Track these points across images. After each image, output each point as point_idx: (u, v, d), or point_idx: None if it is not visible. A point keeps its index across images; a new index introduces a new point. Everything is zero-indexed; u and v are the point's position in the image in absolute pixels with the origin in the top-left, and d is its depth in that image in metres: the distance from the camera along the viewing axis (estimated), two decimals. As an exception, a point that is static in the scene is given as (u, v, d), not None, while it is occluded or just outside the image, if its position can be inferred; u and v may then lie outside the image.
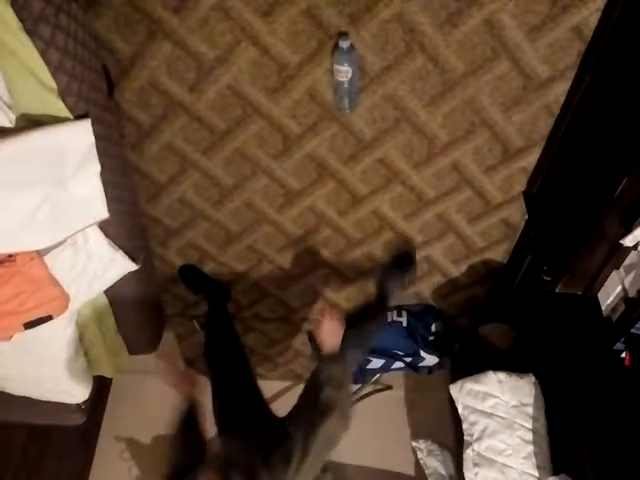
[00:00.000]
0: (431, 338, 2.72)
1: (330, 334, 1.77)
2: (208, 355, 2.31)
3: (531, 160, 2.09)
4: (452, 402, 2.49)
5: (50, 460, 2.44)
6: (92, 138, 1.56)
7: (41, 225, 1.60)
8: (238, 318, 2.76)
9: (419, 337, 2.69)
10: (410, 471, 2.76)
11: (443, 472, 2.62)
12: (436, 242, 2.45)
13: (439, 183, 2.19)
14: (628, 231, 1.67)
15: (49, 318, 1.77)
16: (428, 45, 1.77)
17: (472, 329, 2.76)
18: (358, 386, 2.81)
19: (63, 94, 1.48)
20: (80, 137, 1.55)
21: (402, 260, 2.43)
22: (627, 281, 1.84)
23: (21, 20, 1.31)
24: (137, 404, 2.82)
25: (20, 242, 1.61)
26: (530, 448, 2.27)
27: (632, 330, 1.87)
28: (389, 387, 2.98)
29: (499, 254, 2.49)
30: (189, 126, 2.04)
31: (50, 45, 1.40)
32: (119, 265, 1.90)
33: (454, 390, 2.47)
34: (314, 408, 1.59)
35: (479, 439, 2.33)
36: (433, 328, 2.73)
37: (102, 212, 1.72)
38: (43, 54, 1.39)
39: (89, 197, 1.67)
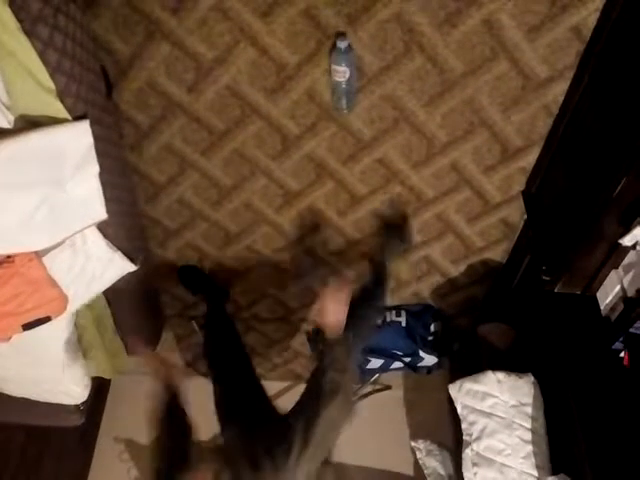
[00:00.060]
0: (430, 338, 2.72)
1: (335, 311, 1.68)
2: (209, 355, 2.30)
3: (530, 160, 2.09)
4: (451, 402, 2.49)
5: (49, 461, 2.44)
6: (91, 139, 1.56)
7: (40, 226, 1.59)
8: (237, 319, 2.76)
9: (418, 337, 2.69)
10: (409, 471, 2.76)
11: (442, 472, 2.62)
12: (435, 242, 2.45)
13: (438, 183, 2.19)
14: (627, 231, 1.67)
15: (48, 319, 1.77)
16: (427, 45, 1.77)
17: (471, 329, 2.76)
18: (357, 386, 2.81)
19: (61, 95, 1.47)
20: (79, 138, 1.55)
21: (396, 230, 2.33)
22: (626, 280, 1.84)
23: (19, 20, 1.31)
24: (136, 405, 2.78)
25: (19, 243, 1.60)
26: (529, 448, 2.27)
27: (631, 329, 1.88)
28: (388, 387, 2.98)
29: (498, 254, 2.49)
30: (188, 127, 2.03)
31: (48, 46, 1.39)
32: (118, 266, 1.89)
33: (453, 390, 2.47)
34: (317, 394, 1.55)
35: (478, 439, 2.33)
36: (432, 328, 2.73)
37: (101, 213, 1.71)
38: (41, 55, 1.38)
39: (88, 198, 1.66)
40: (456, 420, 2.46)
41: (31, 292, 1.68)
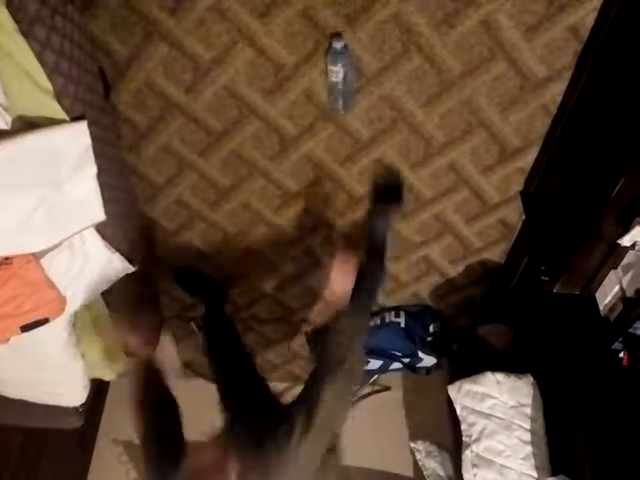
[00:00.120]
0: (429, 339, 2.72)
1: (342, 282, 1.62)
2: (210, 354, 2.29)
3: (528, 160, 2.09)
4: (450, 403, 2.49)
5: (48, 463, 2.43)
6: (88, 140, 1.56)
7: (37, 227, 1.59)
8: (236, 319, 2.75)
9: (417, 338, 2.69)
10: (409, 472, 2.76)
11: (442, 473, 2.61)
12: (434, 242, 2.45)
13: (436, 183, 2.19)
14: (625, 231, 1.67)
15: (46, 321, 1.76)
16: (425, 45, 1.77)
17: (470, 330, 2.76)
18: (356, 387, 2.81)
19: (59, 96, 1.47)
20: (76, 139, 1.54)
21: (388, 192, 2.17)
22: (625, 281, 1.84)
23: (17, 22, 1.31)
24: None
25: (16, 245, 1.60)
26: (529, 449, 2.27)
27: (630, 330, 1.87)
28: (387, 388, 2.98)
29: (496, 254, 2.49)
30: (186, 127, 2.03)
31: (46, 47, 1.39)
32: (116, 267, 1.89)
33: (452, 391, 2.47)
34: (321, 371, 1.50)
35: (477, 440, 2.33)
36: (431, 329, 2.73)
37: (99, 214, 1.71)
38: (39, 56, 1.38)
39: (85, 199, 1.66)
40: (455, 421, 2.45)
41: (29, 294, 1.67)
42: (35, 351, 1.93)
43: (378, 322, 2.72)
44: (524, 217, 2.24)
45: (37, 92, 1.44)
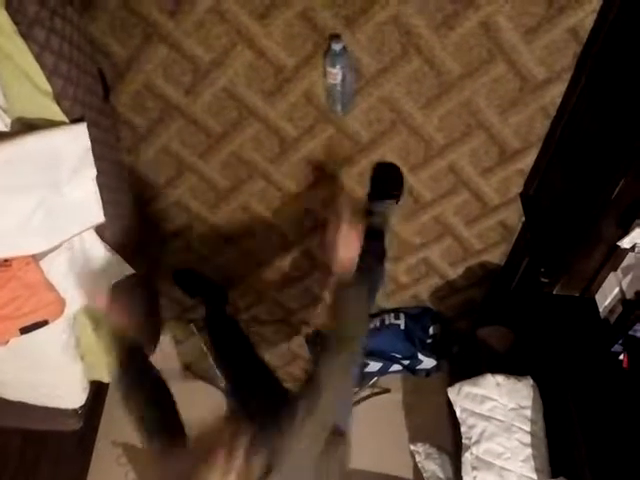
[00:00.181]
0: (429, 341, 2.71)
1: (348, 245, 1.52)
2: (217, 354, 2.29)
3: (528, 162, 2.09)
4: (450, 405, 2.48)
5: (46, 465, 2.43)
6: (88, 142, 1.56)
7: (37, 229, 1.59)
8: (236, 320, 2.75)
9: (417, 340, 2.69)
10: (408, 475, 2.75)
11: (441, 475, 2.61)
12: (433, 244, 2.44)
13: (436, 185, 2.19)
14: (625, 233, 1.67)
15: (45, 323, 1.76)
16: (424, 47, 1.77)
17: (470, 332, 2.76)
18: (355, 390, 2.80)
19: (58, 98, 1.47)
20: (76, 141, 1.54)
21: (388, 182, 2.19)
22: (624, 283, 1.83)
23: (16, 23, 1.31)
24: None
25: (16, 247, 1.60)
26: (528, 451, 2.26)
27: (630, 332, 1.87)
28: (387, 390, 2.97)
29: (496, 256, 2.49)
30: (185, 129, 2.03)
31: (45, 48, 1.39)
32: (115, 269, 1.89)
33: (452, 393, 2.46)
34: (323, 348, 1.45)
35: (477, 442, 2.32)
36: (431, 331, 2.72)
37: (98, 216, 1.71)
38: (38, 58, 1.38)
39: (85, 201, 1.66)
40: (455, 423, 2.45)
41: (28, 296, 1.67)
42: (34, 353, 1.92)
43: (378, 324, 2.72)
44: (524, 219, 2.24)
45: (36, 94, 1.44)
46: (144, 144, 2.08)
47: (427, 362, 2.73)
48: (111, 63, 1.84)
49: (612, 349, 1.92)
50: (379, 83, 1.87)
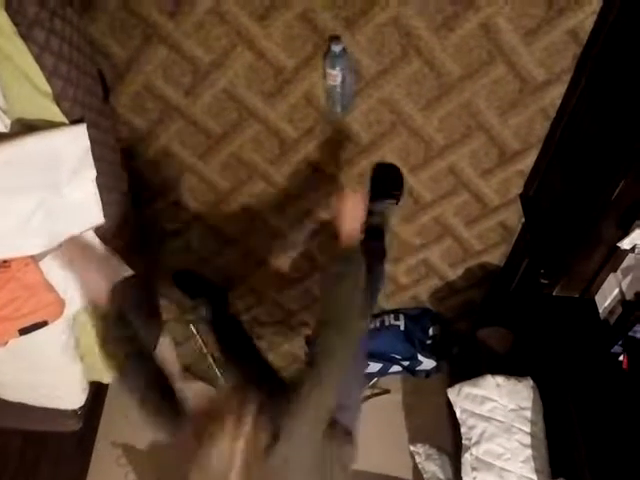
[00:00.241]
0: (428, 342, 2.71)
1: (353, 215, 1.52)
2: (225, 352, 2.29)
3: (528, 163, 2.09)
4: (450, 406, 2.49)
5: (46, 466, 2.42)
6: (87, 143, 1.56)
7: (36, 230, 1.59)
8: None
9: (416, 341, 2.69)
10: (408, 475, 2.75)
11: (441, 476, 2.61)
12: (433, 245, 2.44)
13: (436, 186, 2.19)
14: (625, 234, 1.67)
15: (44, 324, 1.76)
16: (424, 49, 1.78)
17: (470, 333, 2.76)
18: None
19: (58, 99, 1.47)
20: (75, 142, 1.54)
21: (388, 182, 2.19)
22: (624, 284, 1.83)
23: (15, 24, 1.30)
24: (134, 409, 2.81)
25: (15, 248, 1.60)
26: (528, 452, 2.26)
27: (630, 333, 1.87)
28: (387, 391, 2.97)
29: (496, 257, 2.49)
30: (185, 130, 2.03)
31: (45, 49, 1.39)
32: (115, 270, 1.89)
33: (452, 394, 2.46)
34: (326, 320, 1.44)
35: (477, 443, 2.32)
36: (430, 332, 2.72)
37: (98, 217, 1.71)
38: (38, 59, 1.38)
39: (84, 202, 1.66)
40: (455, 424, 2.45)
41: (27, 297, 1.67)
42: (33, 354, 1.92)
43: (377, 325, 2.72)
44: (524, 220, 2.24)
45: (36, 95, 1.44)
46: (144, 145, 2.08)
47: (427, 363, 2.73)
48: (111, 64, 1.84)
49: (612, 350, 1.93)
50: (379, 84, 1.87)
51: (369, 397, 2.96)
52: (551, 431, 2.29)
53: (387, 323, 2.71)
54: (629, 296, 1.83)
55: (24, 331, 1.73)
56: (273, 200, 2.26)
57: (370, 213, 2.11)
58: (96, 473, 2.73)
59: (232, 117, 1.99)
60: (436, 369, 2.77)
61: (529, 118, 1.94)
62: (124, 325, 1.58)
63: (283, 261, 2.52)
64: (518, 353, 2.57)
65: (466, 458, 2.32)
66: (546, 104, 1.90)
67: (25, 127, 1.47)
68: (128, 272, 1.93)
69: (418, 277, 2.61)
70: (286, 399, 1.36)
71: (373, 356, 2.67)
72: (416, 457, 2.70)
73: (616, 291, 1.85)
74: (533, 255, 2.18)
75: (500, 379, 2.39)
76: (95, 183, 1.65)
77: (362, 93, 1.90)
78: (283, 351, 2.99)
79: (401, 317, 2.72)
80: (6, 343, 1.78)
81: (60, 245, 1.66)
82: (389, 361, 2.72)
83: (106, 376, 2.30)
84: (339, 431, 1.65)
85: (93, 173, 1.63)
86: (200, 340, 2.83)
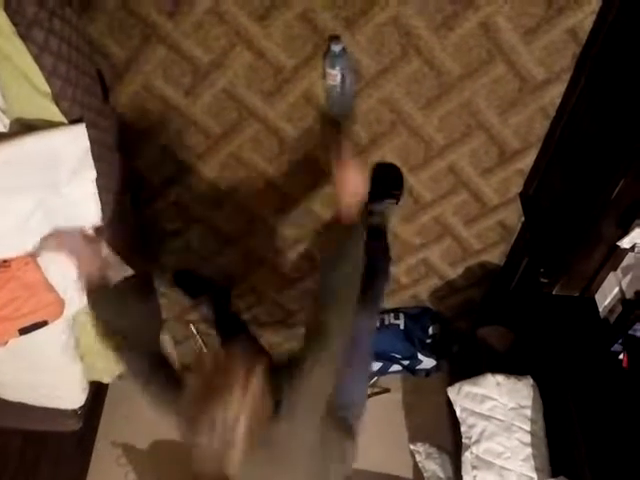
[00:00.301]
0: (428, 341, 2.72)
1: (353, 184, 1.46)
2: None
3: (527, 162, 2.09)
4: (450, 405, 2.49)
5: (46, 465, 2.42)
6: (87, 142, 1.55)
7: (35, 230, 1.59)
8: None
9: (416, 340, 2.69)
10: (409, 474, 2.75)
11: (442, 475, 2.61)
12: (433, 245, 2.44)
13: (435, 186, 2.19)
14: (625, 233, 1.67)
15: (44, 324, 1.76)
16: (424, 48, 1.77)
17: (470, 331, 2.76)
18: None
19: (57, 98, 1.47)
20: (75, 142, 1.54)
21: (388, 182, 2.17)
22: (624, 283, 1.84)
23: (14, 24, 1.30)
24: (134, 409, 2.79)
25: (14, 247, 1.60)
26: (529, 450, 2.27)
27: (630, 331, 1.87)
28: (387, 390, 2.97)
29: (496, 256, 2.49)
30: (184, 130, 2.03)
31: (44, 49, 1.39)
32: (114, 270, 1.89)
33: (452, 393, 2.47)
34: (326, 297, 1.43)
35: (477, 442, 2.33)
36: (430, 331, 2.73)
37: (95, 217, 1.70)
38: (37, 58, 1.38)
39: (83, 202, 1.66)
40: (455, 423, 2.45)
41: (27, 296, 1.67)
42: (33, 354, 1.92)
43: (377, 324, 2.72)
44: (523, 219, 2.24)
45: (35, 95, 1.44)
46: (143, 145, 2.08)
47: (427, 362, 2.73)
48: (110, 64, 1.84)
49: (612, 349, 1.93)
50: (379, 84, 1.87)
51: (369, 396, 2.96)
52: (551, 430, 2.30)
53: (387, 322, 2.71)
54: (629, 295, 1.83)
55: (24, 331, 1.73)
56: (273, 199, 2.26)
57: (370, 213, 2.12)
58: (96, 473, 2.73)
59: (232, 117, 1.98)
60: (436, 368, 2.77)
61: (529, 117, 1.94)
62: (123, 302, 1.59)
63: (283, 261, 2.52)
64: (518, 352, 2.57)
65: (466, 457, 2.33)
66: (546, 103, 1.90)
67: (24, 127, 1.47)
68: (128, 272, 1.93)
69: (418, 276, 2.61)
70: (289, 374, 1.36)
71: (373, 355, 2.67)
72: (416, 456, 2.70)
73: (616, 290, 1.85)
74: (533, 254, 2.18)
75: (500, 378, 2.39)
76: (95, 183, 1.65)
77: (362, 93, 1.90)
78: (283, 351, 2.99)
79: (401, 316, 2.72)
80: (6, 343, 1.78)
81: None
82: (389, 360, 2.73)
83: (106, 376, 2.30)
84: (341, 424, 1.65)
85: (93, 173, 1.62)
86: (200, 340, 2.84)
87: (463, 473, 2.32)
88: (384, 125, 1.99)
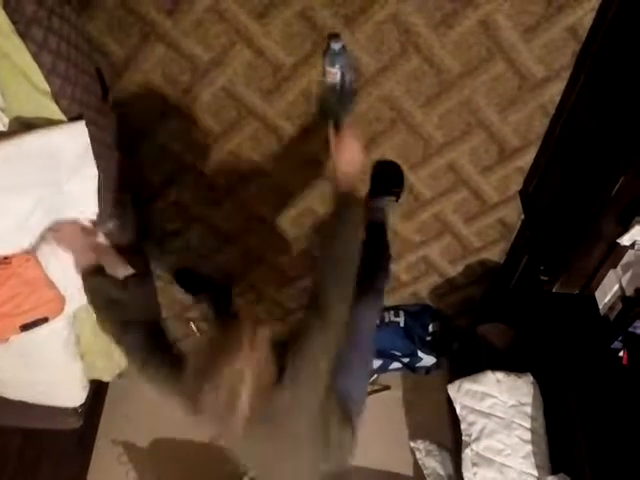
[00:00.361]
0: (428, 338, 2.72)
1: (350, 153, 1.47)
2: None
3: (527, 160, 2.09)
4: (450, 402, 2.49)
5: (47, 464, 2.43)
6: (87, 139, 1.55)
7: (36, 227, 1.59)
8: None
9: (416, 337, 2.69)
10: (409, 471, 2.76)
11: (442, 472, 2.62)
12: (433, 242, 2.44)
13: (435, 184, 2.19)
14: (625, 230, 1.67)
15: (45, 320, 1.76)
16: (423, 46, 1.77)
17: (470, 329, 2.76)
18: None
19: (56, 97, 1.47)
20: (75, 139, 1.54)
21: (388, 179, 2.17)
22: (624, 280, 1.84)
23: (14, 23, 1.30)
24: (134, 407, 2.81)
25: (15, 244, 1.60)
26: (529, 448, 2.27)
27: (629, 329, 1.88)
28: (387, 387, 2.97)
29: (496, 254, 2.49)
30: (184, 129, 2.03)
31: (43, 48, 1.39)
32: (114, 269, 1.89)
33: (452, 390, 2.47)
34: (325, 268, 1.42)
35: (477, 439, 2.33)
36: (430, 328, 2.73)
37: (92, 212, 1.70)
38: (36, 57, 1.38)
39: (83, 199, 1.66)
40: (455, 420, 2.45)
41: (28, 293, 1.68)
42: (34, 351, 1.92)
43: (377, 322, 2.72)
44: (523, 217, 2.24)
45: (34, 93, 1.44)
46: (142, 143, 2.07)
47: (427, 359, 2.74)
48: (109, 62, 1.84)
49: (612, 346, 1.93)
50: (378, 82, 1.87)
51: (369, 393, 2.96)
52: (551, 427, 2.30)
53: (387, 320, 2.71)
54: (629, 292, 1.83)
55: (25, 327, 1.74)
56: (272, 198, 2.25)
57: (370, 210, 2.12)
58: (97, 471, 2.74)
59: (231, 115, 1.98)
60: (436, 365, 2.77)
61: (528, 115, 1.94)
62: (119, 285, 1.60)
63: (282, 259, 2.52)
64: (518, 349, 2.58)
65: (466, 454, 2.33)
66: (545, 101, 1.90)
67: (23, 125, 1.47)
68: (128, 271, 1.93)
69: (418, 274, 2.61)
70: (292, 342, 1.37)
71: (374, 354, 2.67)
72: (416, 453, 2.71)
73: (616, 287, 1.85)
74: (533, 252, 2.18)
75: (500, 375, 2.40)
76: (96, 180, 1.65)
77: (361, 90, 1.89)
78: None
79: (401, 314, 2.72)
80: (7, 340, 1.79)
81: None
82: (389, 357, 2.73)
83: (106, 374, 2.30)
84: (341, 409, 1.64)
85: (94, 170, 1.62)
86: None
87: (463, 470, 2.33)
88: (384, 123, 1.99)
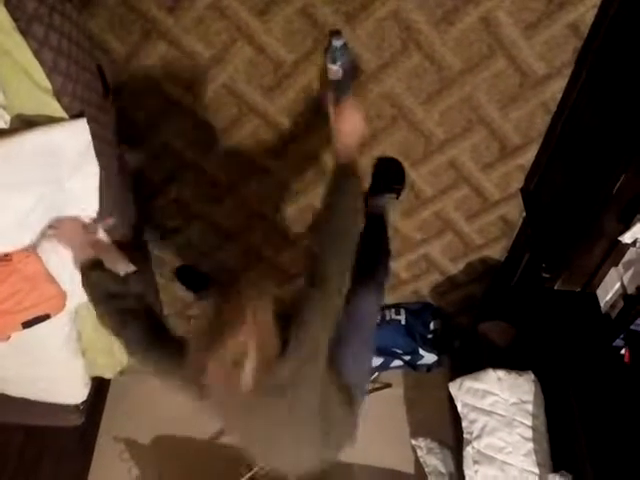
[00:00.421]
0: (429, 336, 2.72)
1: (350, 124, 1.46)
2: None
3: (528, 157, 2.08)
4: (451, 400, 2.49)
5: (48, 461, 2.43)
6: (88, 137, 1.55)
7: (37, 225, 1.60)
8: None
9: (418, 335, 2.69)
10: (410, 469, 2.75)
11: (443, 470, 2.61)
12: (434, 240, 2.44)
13: (436, 181, 2.19)
14: (627, 228, 1.67)
15: (47, 317, 1.76)
16: (424, 43, 1.77)
17: (471, 327, 2.76)
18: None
19: (58, 94, 1.47)
20: (76, 136, 1.54)
21: (389, 176, 2.17)
22: (626, 278, 1.84)
23: (15, 20, 1.30)
24: (136, 404, 2.81)
25: (16, 241, 1.60)
26: (530, 445, 2.27)
27: (631, 327, 1.87)
28: (388, 385, 2.97)
29: (497, 251, 2.49)
30: (185, 126, 2.03)
31: (44, 45, 1.39)
32: (115, 266, 1.89)
33: (453, 388, 2.47)
34: (324, 241, 1.40)
35: (479, 437, 2.33)
36: (431, 326, 2.72)
37: (93, 209, 1.70)
38: (37, 54, 1.38)
39: (85, 197, 1.66)
40: (456, 418, 2.45)
41: (29, 289, 1.68)
42: (36, 348, 1.93)
43: (378, 320, 2.72)
44: (524, 214, 2.24)
45: (36, 90, 1.44)
46: (144, 141, 2.08)
47: (428, 357, 2.74)
48: (110, 60, 1.84)
49: (613, 344, 1.93)
50: (379, 79, 1.87)
51: (370, 391, 2.96)
52: (552, 425, 2.29)
53: (388, 317, 2.71)
54: (630, 290, 1.83)
55: (27, 324, 1.73)
56: (273, 195, 2.26)
57: (371, 207, 2.12)
58: (99, 468, 2.74)
59: (232, 112, 1.98)
60: (437, 363, 2.77)
61: (530, 112, 1.94)
62: (119, 281, 1.61)
63: (283, 257, 2.52)
64: (519, 347, 2.57)
65: (468, 452, 2.33)
66: (547, 98, 1.90)
67: (25, 123, 1.47)
68: (129, 267, 1.93)
69: (419, 272, 2.61)
70: (295, 312, 1.35)
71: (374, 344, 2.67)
72: (418, 451, 2.70)
73: (617, 285, 1.85)
74: (534, 249, 2.18)
75: (501, 373, 2.39)
76: (97, 178, 1.65)
77: (362, 87, 1.89)
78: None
79: (402, 311, 2.72)
80: (9, 337, 1.79)
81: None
82: (390, 355, 2.73)
83: (108, 372, 2.31)
84: (344, 389, 1.63)
85: (95, 167, 1.62)
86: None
87: (464, 468, 2.33)
88: (385, 120, 1.99)
